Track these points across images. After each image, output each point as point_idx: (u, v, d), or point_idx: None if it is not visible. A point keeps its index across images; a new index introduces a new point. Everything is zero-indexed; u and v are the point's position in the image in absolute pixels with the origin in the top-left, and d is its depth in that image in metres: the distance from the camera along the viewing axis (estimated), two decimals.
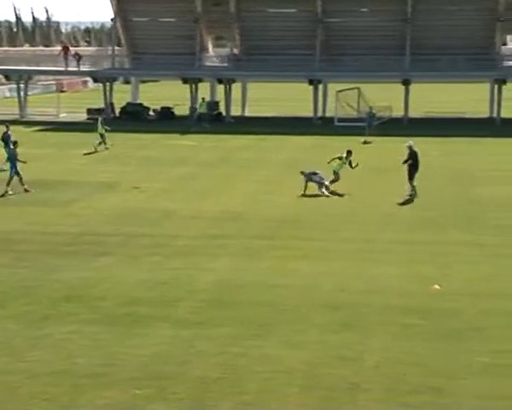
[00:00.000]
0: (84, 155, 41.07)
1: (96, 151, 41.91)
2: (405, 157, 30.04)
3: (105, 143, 42.36)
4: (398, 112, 59.12)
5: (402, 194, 29.49)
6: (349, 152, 31.69)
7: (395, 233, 24.21)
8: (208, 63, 64.29)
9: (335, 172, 31.25)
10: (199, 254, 21.88)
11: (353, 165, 31.47)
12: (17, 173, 30.61)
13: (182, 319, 16.64)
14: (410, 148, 30.12)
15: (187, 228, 24.94)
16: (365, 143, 45.98)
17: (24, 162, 31.03)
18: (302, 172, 30.49)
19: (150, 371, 13.91)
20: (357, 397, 12.98)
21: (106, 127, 42.98)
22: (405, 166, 29.89)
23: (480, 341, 15.21)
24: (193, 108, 58.54)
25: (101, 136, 42.56)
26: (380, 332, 15.74)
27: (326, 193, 29.84)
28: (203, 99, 57.91)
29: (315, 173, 30.45)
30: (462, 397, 12.95)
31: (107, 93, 62.60)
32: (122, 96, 66.44)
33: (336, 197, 29.71)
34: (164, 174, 35.13)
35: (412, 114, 59.61)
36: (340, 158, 31.54)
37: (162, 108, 62.73)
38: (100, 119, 43.87)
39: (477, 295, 18.11)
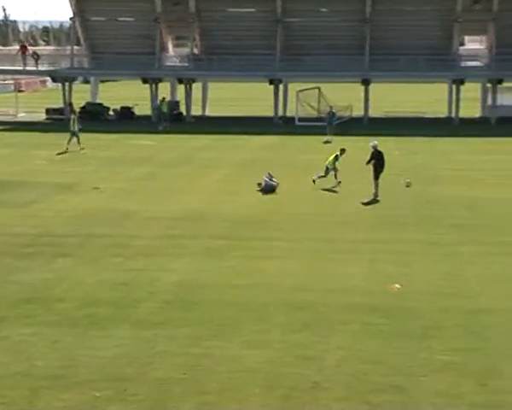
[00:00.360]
0: (57, 154, 40.88)
1: (66, 151, 41.67)
2: (368, 157, 30.20)
3: (79, 144, 42.09)
4: (359, 112, 59.40)
5: (362, 193, 29.66)
6: (343, 150, 31.79)
7: (356, 232, 24.30)
8: (168, 63, 64.13)
9: (327, 169, 31.47)
10: (160, 254, 21.78)
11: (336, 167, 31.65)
12: None
13: (142, 319, 16.54)
14: (374, 147, 30.24)
15: (148, 228, 24.82)
16: (326, 142, 46.14)
17: None
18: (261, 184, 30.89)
19: (110, 373, 13.80)
20: (318, 396, 13.00)
21: (79, 126, 42.76)
22: (370, 166, 30.07)
23: (440, 339, 15.32)
24: (157, 107, 58.19)
25: (74, 134, 42.38)
26: (341, 331, 15.78)
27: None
28: (163, 99, 57.70)
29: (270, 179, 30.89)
30: (422, 395, 13.03)
31: (66, 93, 62.12)
32: (81, 95, 65.96)
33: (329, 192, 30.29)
34: (124, 174, 34.93)
35: (372, 113, 59.96)
36: (335, 157, 31.64)
37: (122, 108, 62.47)
38: (73, 117, 43.58)
39: (436, 293, 18.24)
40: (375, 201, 29.07)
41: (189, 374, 13.76)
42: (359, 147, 36.53)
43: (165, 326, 16.08)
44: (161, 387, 13.30)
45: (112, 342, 15.18)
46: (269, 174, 31.26)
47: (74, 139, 42.19)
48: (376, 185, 29.63)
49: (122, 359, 14.40)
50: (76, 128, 42.42)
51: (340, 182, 31.47)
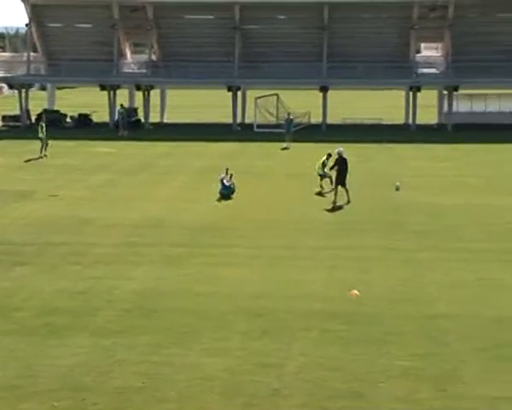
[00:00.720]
0: (25, 162, 40.78)
1: (42, 157, 41.49)
2: (332, 163, 30.40)
3: (45, 150, 41.89)
4: (317, 118, 59.67)
5: (321, 200, 29.83)
6: (329, 155, 31.80)
7: (315, 239, 24.37)
8: (126, 70, 63.93)
9: (322, 175, 31.60)
10: (119, 262, 21.65)
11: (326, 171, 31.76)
12: None
13: (101, 328, 16.42)
14: (339, 154, 30.34)
15: (106, 236, 24.67)
16: (285, 149, 46.33)
17: None
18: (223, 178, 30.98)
19: (69, 383, 13.68)
20: (278, 403, 13.00)
21: (46, 134, 42.53)
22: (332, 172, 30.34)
23: (399, 345, 15.41)
24: (120, 112, 57.82)
25: (41, 140, 42.16)
26: (300, 338, 15.80)
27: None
28: (121, 105, 57.48)
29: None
30: (381, 401, 13.09)
31: (23, 100, 61.59)
32: (38, 102, 65.44)
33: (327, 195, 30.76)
34: (82, 182, 34.71)
35: (330, 120, 60.26)
36: (323, 163, 31.64)
37: (80, 115, 62.07)
38: (40, 123, 43.30)
39: (395, 299, 18.35)
40: (335, 207, 29.20)
41: (148, 383, 13.69)
42: (318, 153, 36.63)
43: (125, 334, 15.98)
44: (121, 396, 13.22)
45: (70, 351, 15.05)
46: (226, 173, 31.15)
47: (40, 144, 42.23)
48: (336, 192, 29.77)
49: (81, 368, 14.28)
50: (44, 135, 42.30)
51: (323, 188, 31.73)
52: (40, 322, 16.71)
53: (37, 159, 41.39)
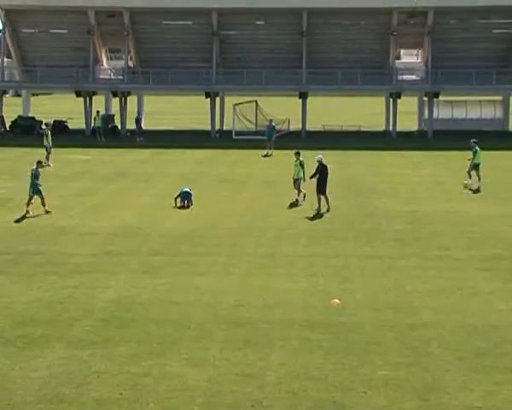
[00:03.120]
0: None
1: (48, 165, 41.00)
2: (313, 171, 30.25)
3: (47, 159, 41.44)
4: (297, 125, 59.77)
5: (300, 206, 29.88)
6: (297, 153, 31.63)
7: (295, 247, 24.39)
8: (103, 76, 63.81)
9: (297, 180, 31.43)
10: (96, 271, 21.55)
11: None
12: None
13: (78, 339, 16.32)
14: (319, 161, 30.32)
15: (83, 245, 24.57)
16: (266, 156, 46.43)
17: None
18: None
19: (46, 395, 13.57)
20: None
21: (50, 142, 42.24)
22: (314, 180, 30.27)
23: (381, 354, 15.42)
24: (102, 117, 57.76)
25: (46, 149, 41.92)
26: (281, 347, 15.79)
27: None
28: (98, 112, 57.35)
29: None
30: None
31: None
32: (13, 109, 65.13)
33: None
34: (59, 190, 34.55)
35: (310, 127, 60.39)
36: (300, 163, 31.51)
37: (55, 122, 61.82)
38: (46, 131, 43.02)
39: (377, 308, 18.37)
40: (318, 215, 29.21)
41: (127, 394, 13.62)
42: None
43: (102, 345, 15.90)
44: (99, 407, 13.14)
45: (47, 363, 14.95)
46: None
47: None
48: (319, 200, 29.78)
49: (58, 379, 14.18)
50: (49, 144, 41.99)
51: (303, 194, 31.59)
52: (16, 333, 16.59)
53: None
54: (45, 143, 42.32)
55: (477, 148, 35.70)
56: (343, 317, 17.71)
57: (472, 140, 36.67)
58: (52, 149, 42.52)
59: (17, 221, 28.01)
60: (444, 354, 15.48)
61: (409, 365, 14.90)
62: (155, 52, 62.06)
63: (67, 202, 31.88)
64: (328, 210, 29.69)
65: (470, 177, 35.55)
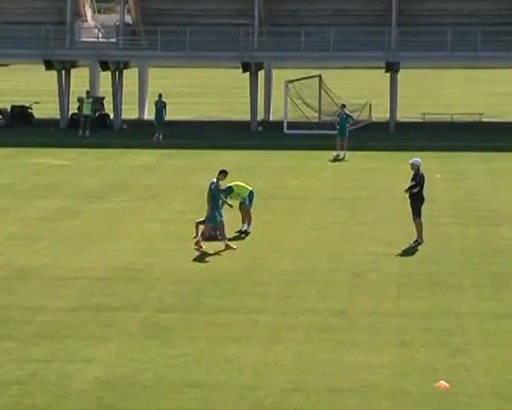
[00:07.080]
0: None
1: None
2: (410, 181, 29.87)
3: None
4: (381, 114, 59.69)
5: (383, 238, 29.83)
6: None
7: (379, 300, 24.23)
8: (86, 37, 63.79)
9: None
10: (75, 335, 21.58)
11: None
12: None
13: None
14: (417, 167, 29.80)
15: (56, 295, 24.64)
16: (336, 159, 46.31)
17: None
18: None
19: None
20: None
21: None
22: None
23: None
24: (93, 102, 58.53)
25: None
26: None
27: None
28: (87, 93, 57.72)
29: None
30: None
31: None
32: None
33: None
34: (19, 212, 34.79)
35: (402, 116, 60.34)
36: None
37: (14, 108, 62.02)
38: None
39: (506, 396, 18.19)
40: (415, 250, 29.03)
41: None
42: (385, 168, 36.58)
43: None
44: None
45: None
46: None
47: None
48: (419, 224, 29.52)
49: None
50: None
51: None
52: None
53: None
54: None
55: None
56: (454, 408, 17.57)
57: None
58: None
59: None
60: None
61: None
62: (166, 2, 62.29)
63: (33, 229, 32.06)
64: (418, 242, 29.38)
65: None
